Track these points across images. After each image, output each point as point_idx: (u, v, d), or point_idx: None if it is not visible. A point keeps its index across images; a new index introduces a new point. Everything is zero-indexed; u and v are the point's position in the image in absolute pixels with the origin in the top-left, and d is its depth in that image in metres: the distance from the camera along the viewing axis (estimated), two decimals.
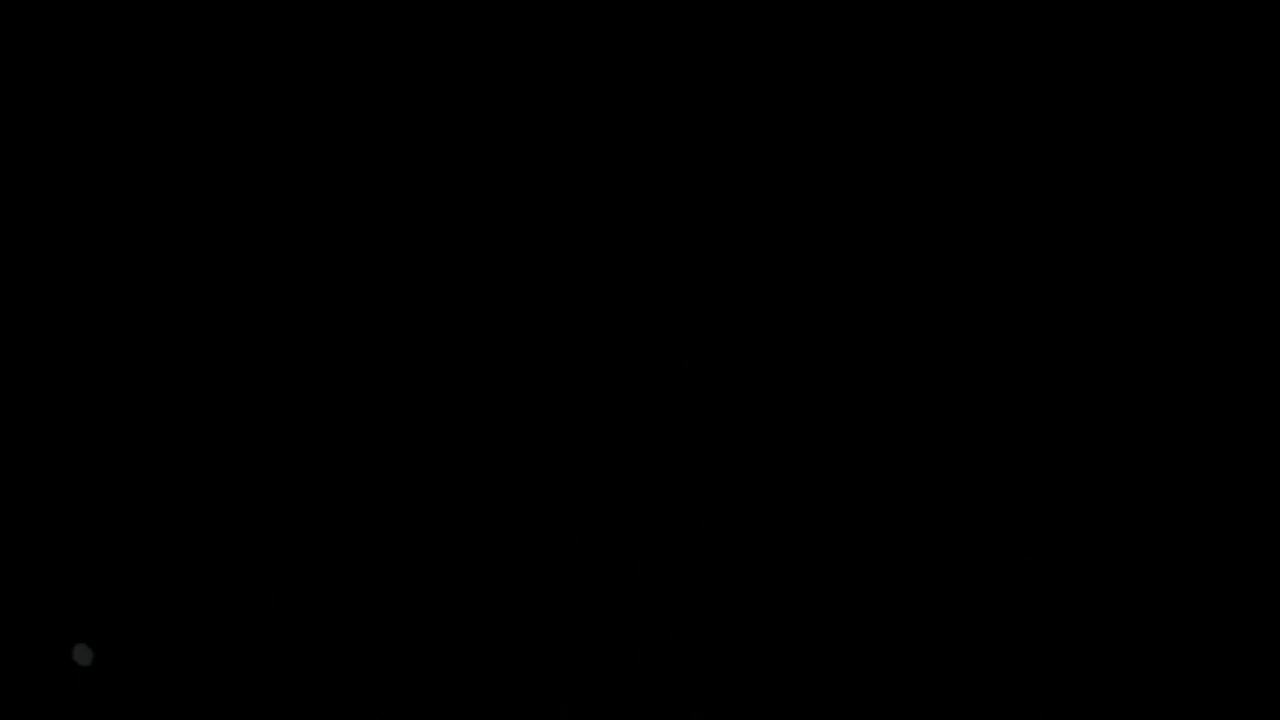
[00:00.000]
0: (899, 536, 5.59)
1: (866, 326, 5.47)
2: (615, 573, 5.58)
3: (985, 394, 5.45)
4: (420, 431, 5.55)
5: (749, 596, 5.55)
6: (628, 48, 5.20)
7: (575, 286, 5.50)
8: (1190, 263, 5.20)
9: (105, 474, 5.40)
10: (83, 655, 5.31)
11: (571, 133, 5.45)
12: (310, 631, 5.55)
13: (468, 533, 5.60)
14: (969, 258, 5.40)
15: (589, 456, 5.54)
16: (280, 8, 5.04)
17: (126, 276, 5.29)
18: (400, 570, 5.58)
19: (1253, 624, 5.09)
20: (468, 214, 5.55)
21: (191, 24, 5.04)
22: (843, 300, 5.46)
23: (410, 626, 5.57)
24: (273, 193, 5.24)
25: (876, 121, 5.28)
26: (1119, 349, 5.30)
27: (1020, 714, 5.37)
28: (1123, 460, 5.31)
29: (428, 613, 5.58)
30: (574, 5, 5.07)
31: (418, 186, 5.45)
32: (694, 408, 5.42)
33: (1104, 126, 5.20)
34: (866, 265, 5.45)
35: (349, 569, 5.57)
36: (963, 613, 5.49)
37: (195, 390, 5.36)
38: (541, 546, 5.59)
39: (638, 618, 5.56)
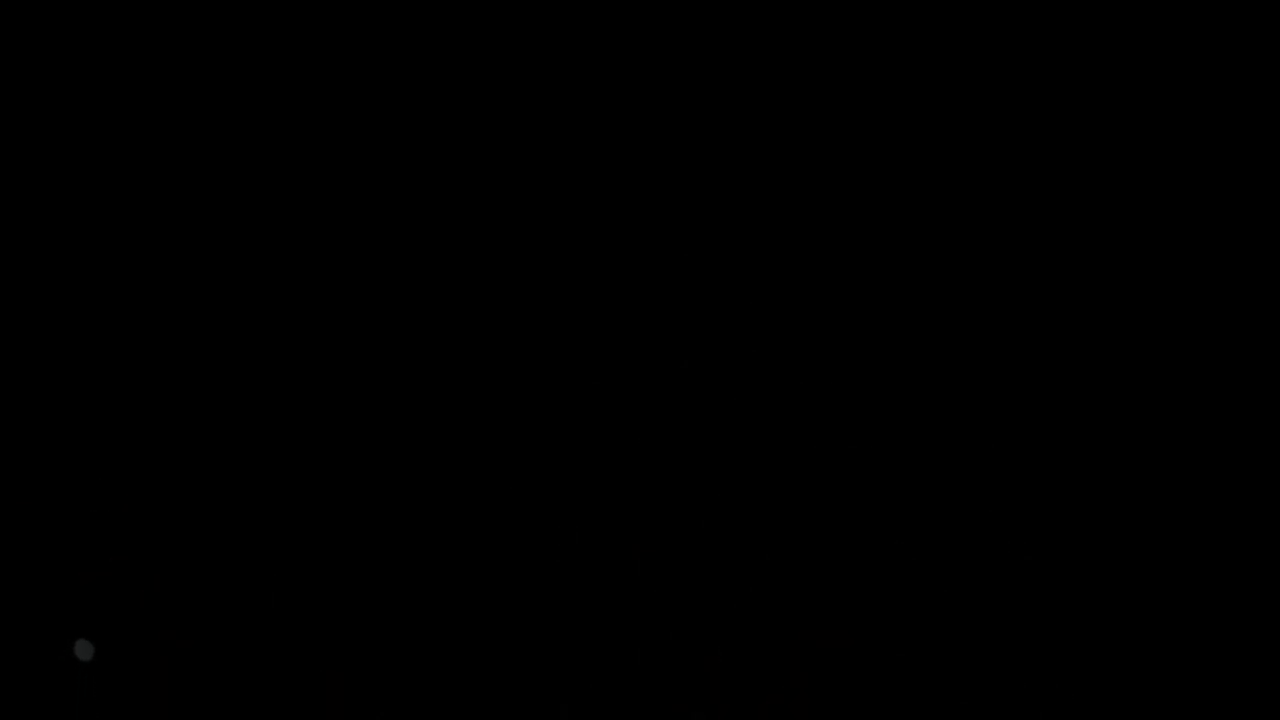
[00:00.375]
0: (899, 536, 5.59)
1: (867, 327, 5.47)
2: (615, 573, 5.58)
3: (986, 394, 5.46)
4: (420, 431, 5.55)
5: (749, 596, 5.56)
6: (627, 48, 5.20)
7: (574, 286, 5.50)
8: (1190, 263, 5.20)
9: (105, 474, 5.40)
10: (84, 650, 5.30)
11: (571, 133, 5.45)
12: (310, 631, 5.55)
13: (467, 533, 5.60)
14: (969, 258, 5.40)
15: (588, 456, 5.54)
16: (280, 7, 5.04)
17: (126, 276, 5.28)
18: (400, 570, 5.58)
19: (1253, 624, 5.10)
20: (467, 214, 5.55)
21: (191, 24, 5.03)
22: (843, 301, 5.46)
23: (410, 626, 5.57)
24: (272, 192, 5.23)
25: (876, 122, 5.28)
26: (1119, 349, 5.30)
27: (1020, 714, 5.38)
28: (1123, 460, 5.31)
29: (428, 613, 5.58)
30: (573, 5, 5.06)
31: (418, 187, 5.45)
32: (693, 408, 5.42)
33: (1103, 127, 5.21)
34: (866, 266, 5.45)
35: (349, 569, 5.57)
36: (963, 613, 5.49)
37: (194, 390, 5.35)
38: (541, 546, 5.59)
39: (638, 618, 5.57)
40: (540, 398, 5.56)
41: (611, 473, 5.52)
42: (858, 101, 5.30)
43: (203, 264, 5.27)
